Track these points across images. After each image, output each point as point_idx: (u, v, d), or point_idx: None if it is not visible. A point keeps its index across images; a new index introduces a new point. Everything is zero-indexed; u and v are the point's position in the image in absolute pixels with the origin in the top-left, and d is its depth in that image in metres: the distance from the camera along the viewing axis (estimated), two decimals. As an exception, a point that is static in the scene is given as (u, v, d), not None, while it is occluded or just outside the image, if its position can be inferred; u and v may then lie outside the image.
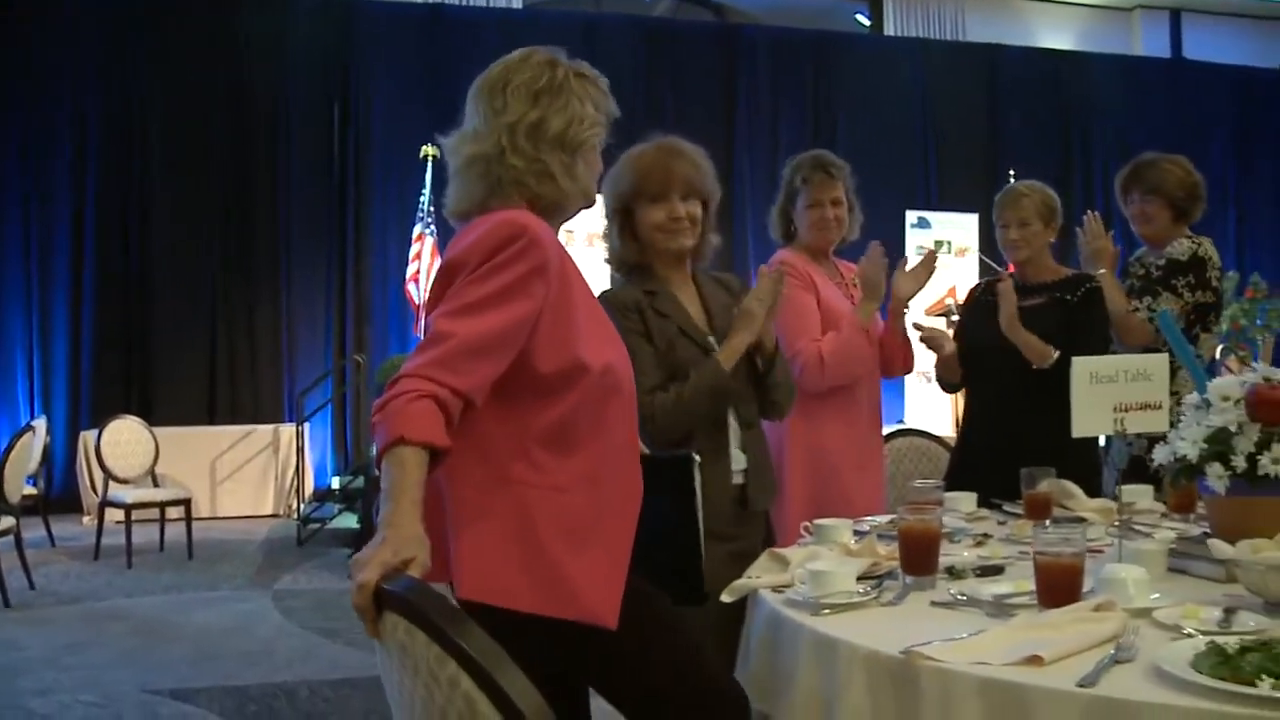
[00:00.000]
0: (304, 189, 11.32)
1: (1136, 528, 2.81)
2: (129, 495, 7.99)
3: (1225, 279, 11.72)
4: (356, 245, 11.48)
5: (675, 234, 2.80)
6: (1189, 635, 1.76)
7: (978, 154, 13.17)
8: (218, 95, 11.10)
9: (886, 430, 4.23)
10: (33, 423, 7.69)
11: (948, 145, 13.15)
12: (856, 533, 2.71)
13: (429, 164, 9.37)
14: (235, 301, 11.13)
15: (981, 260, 11.00)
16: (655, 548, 2.07)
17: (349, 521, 8.90)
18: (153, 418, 9.28)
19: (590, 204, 2.21)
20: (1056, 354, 3.42)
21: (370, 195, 11.51)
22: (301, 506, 9.48)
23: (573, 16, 12.51)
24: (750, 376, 2.89)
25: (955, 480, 3.55)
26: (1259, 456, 2.20)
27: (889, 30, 13.59)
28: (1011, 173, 11.02)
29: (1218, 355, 10.90)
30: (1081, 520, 2.96)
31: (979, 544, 2.67)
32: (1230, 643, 1.61)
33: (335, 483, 10.21)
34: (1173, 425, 2.39)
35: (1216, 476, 2.22)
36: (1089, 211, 4.14)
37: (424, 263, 9.65)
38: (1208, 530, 2.39)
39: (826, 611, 2.00)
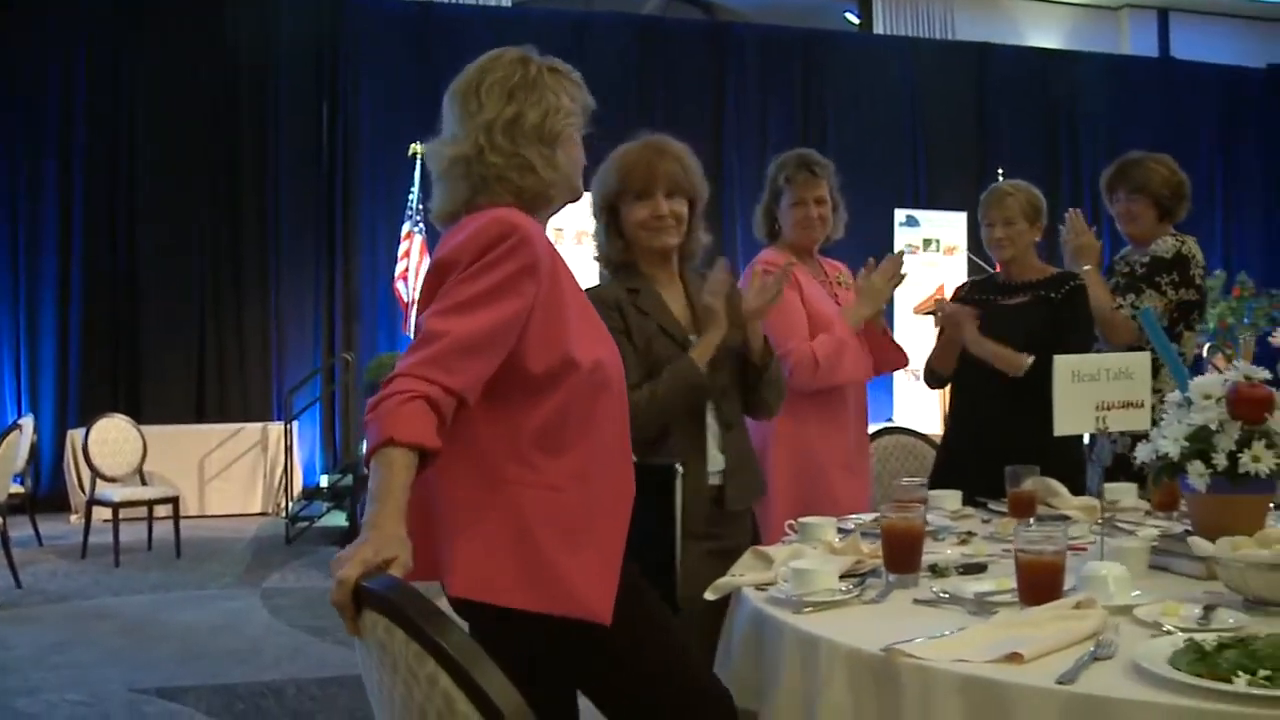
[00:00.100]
0: (292, 186, 11.29)
1: (1120, 525, 2.83)
2: (116, 494, 7.97)
3: (1212, 278, 11.79)
4: (345, 243, 11.46)
5: (659, 231, 2.80)
6: (1168, 632, 1.77)
7: (966, 153, 13.19)
8: (206, 93, 11.06)
9: (873, 428, 4.24)
10: (20, 421, 7.68)
11: (936, 144, 13.17)
12: (841, 531, 2.72)
13: (418, 162, 9.34)
14: (223, 299, 11.09)
15: (970, 259, 11.04)
16: (629, 556, 2.07)
17: (337, 520, 8.90)
18: (141, 416, 9.26)
19: (576, 196, 2.22)
20: (1030, 360, 3.44)
21: (359, 193, 11.48)
22: (290, 505, 9.45)
23: (562, 14, 12.50)
24: (737, 376, 2.89)
25: (941, 478, 3.57)
26: (1239, 454, 2.22)
27: (878, 29, 13.59)
28: (1000, 171, 11.04)
29: (1204, 354, 10.95)
30: (1065, 518, 2.98)
31: (963, 542, 2.69)
32: (1208, 640, 1.62)
33: (324, 481, 10.19)
34: (1155, 423, 2.41)
35: (1197, 474, 2.24)
36: (1072, 209, 4.15)
37: (413, 260, 9.65)
38: (1190, 528, 2.41)
39: (809, 609, 2.01)
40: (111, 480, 8.21)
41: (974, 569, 2.34)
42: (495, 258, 1.92)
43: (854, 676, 1.78)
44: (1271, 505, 2.75)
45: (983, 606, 2.00)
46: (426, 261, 9.37)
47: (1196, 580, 2.20)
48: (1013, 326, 3.55)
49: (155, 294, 10.81)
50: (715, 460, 2.81)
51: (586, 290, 2.27)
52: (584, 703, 2.16)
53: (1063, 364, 2.36)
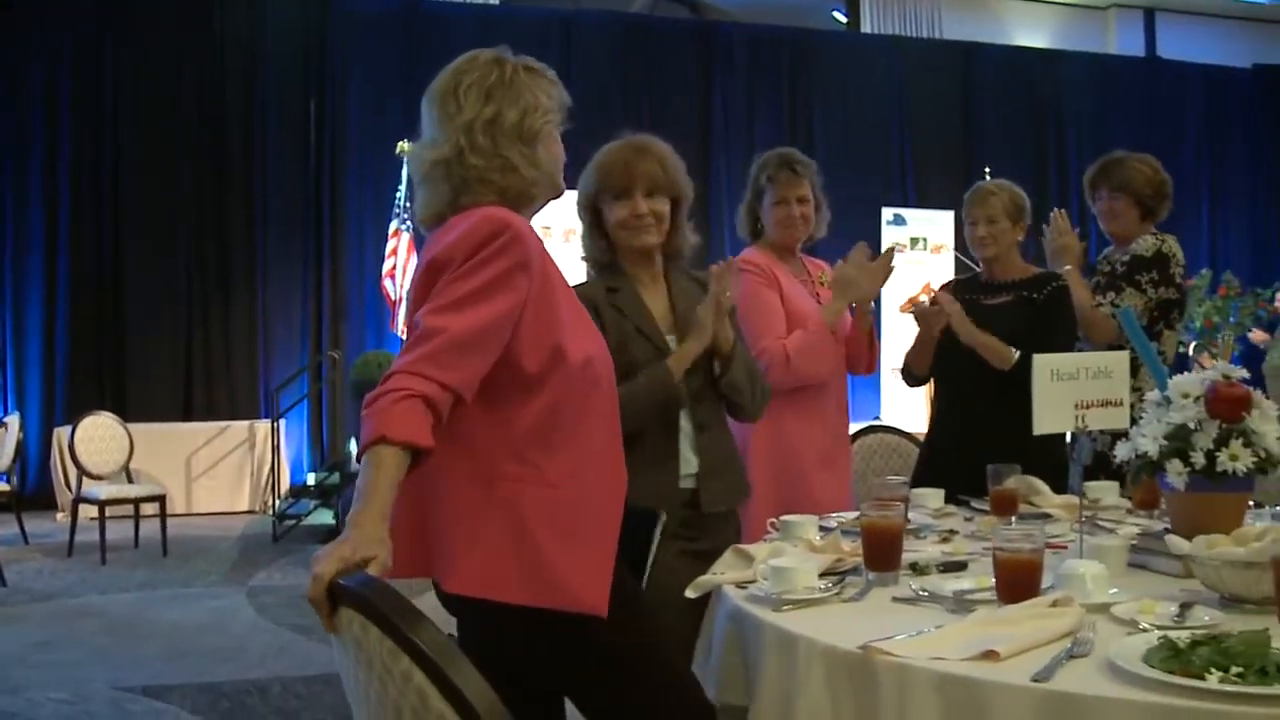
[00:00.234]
0: (280, 184, 11.28)
1: (1100, 524, 2.84)
2: (103, 491, 7.95)
3: (1198, 277, 11.84)
4: (332, 241, 11.45)
5: (638, 230, 2.80)
6: (1144, 630, 1.78)
7: (953, 152, 13.22)
8: (193, 92, 11.05)
9: (857, 426, 4.25)
10: (5, 419, 7.68)
11: (924, 143, 13.20)
12: (822, 529, 2.73)
13: (405, 160, 9.34)
14: (211, 297, 11.08)
15: (957, 257, 11.07)
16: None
17: (325, 518, 8.89)
18: (127, 414, 9.24)
19: (558, 193, 2.22)
20: (1017, 354, 3.45)
21: (346, 191, 11.47)
22: (277, 503, 9.45)
23: (550, 13, 12.49)
24: (711, 377, 2.87)
25: (923, 477, 3.58)
26: (1217, 453, 2.23)
27: (865, 28, 13.62)
28: (987, 170, 11.08)
29: (1190, 352, 11.00)
30: (1047, 516, 3.00)
31: (944, 540, 2.70)
32: (1182, 637, 1.63)
33: (311, 479, 10.18)
34: (1134, 422, 2.42)
35: (1176, 473, 2.25)
36: (1056, 209, 4.17)
37: (400, 258, 9.64)
38: (1170, 526, 2.42)
39: (788, 607, 2.02)
40: (98, 478, 8.19)
41: (954, 567, 2.35)
42: (488, 255, 1.92)
43: (831, 674, 1.79)
44: (1251, 504, 2.78)
45: (961, 604, 2.01)
46: (414, 259, 9.37)
47: (1175, 578, 2.21)
48: (995, 326, 3.56)
49: (142, 291, 10.79)
50: (689, 462, 2.79)
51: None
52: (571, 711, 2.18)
53: (1042, 363, 2.37)
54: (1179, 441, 2.27)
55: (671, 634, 2.28)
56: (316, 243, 11.41)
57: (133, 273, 10.80)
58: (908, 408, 10.54)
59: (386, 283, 9.74)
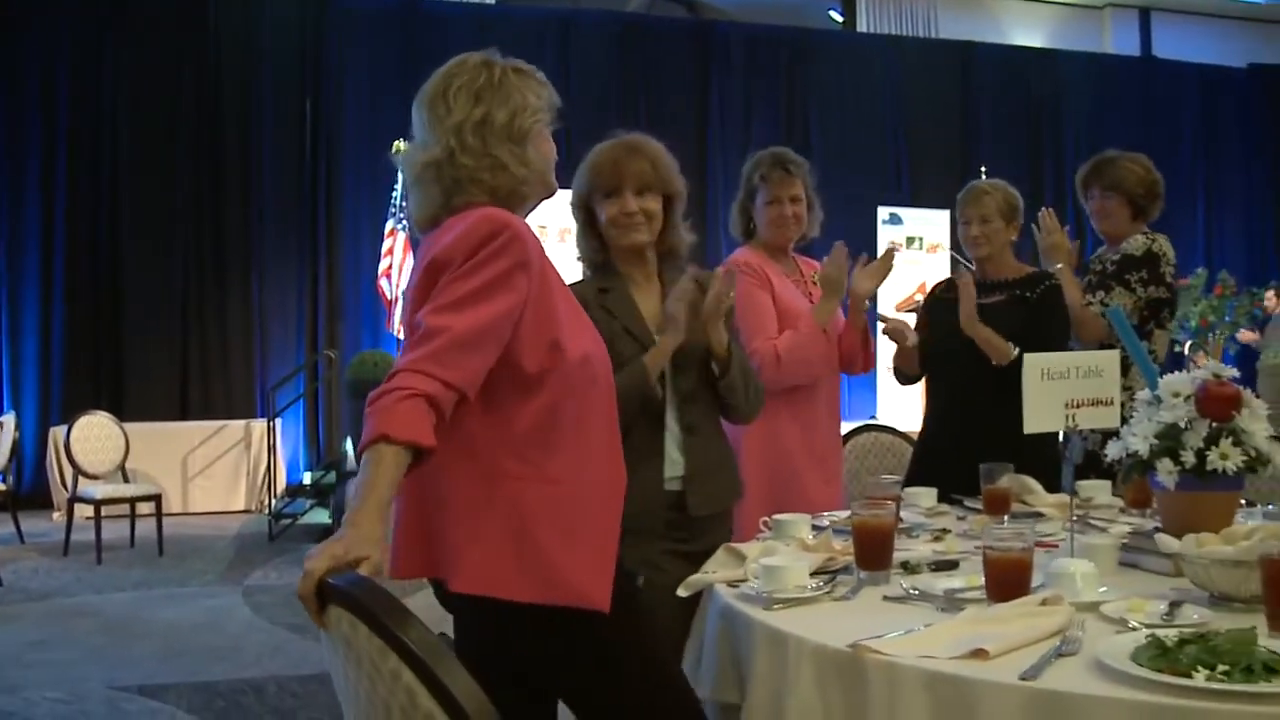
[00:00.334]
0: (276, 183, 11.27)
1: (1093, 523, 2.85)
2: (98, 491, 7.94)
3: (1194, 276, 11.84)
4: (328, 240, 11.45)
5: (628, 229, 2.79)
6: (1133, 629, 1.79)
7: (950, 151, 13.23)
8: (189, 91, 11.04)
9: (851, 426, 4.26)
10: (1, 418, 7.67)
11: (920, 142, 13.21)
12: (815, 528, 2.74)
13: (400, 160, 9.33)
14: (207, 296, 11.07)
15: (953, 257, 11.08)
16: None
17: (320, 517, 8.89)
18: (124, 413, 9.23)
19: (550, 192, 2.22)
20: (1016, 350, 3.45)
21: (342, 190, 11.47)
22: (273, 502, 9.45)
23: (547, 12, 12.49)
24: (704, 380, 2.84)
25: (917, 476, 3.58)
26: (1207, 452, 2.23)
27: (862, 27, 13.63)
28: (983, 169, 11.08)
29: (1186, 352, 11.02)
30: (1039, 515, 3.00)
31: (937, 539, 2.70)
32: (1170, 636, 1.64)
33: (307, 478, 10.18)
34: (1125, 421, 2.43)
35: (1166, 472, 2.26)
36: (1045, 208, 4.18)
37: (396, 258, 9.64)
38: (1161, 525, 2.43)
39: (778, 606, 2.03)
40: (94, 478, 8.18)
41: (945, 566, 2.36)
42: (488, 255, 1.94)
43: (821, 672, 1.80)
44: (1243, 502, 2.79)
45: (951, 603, 2.02)
46: (410, 259, 9.36)
47: (1165, 577, 2.22)
48: (989, 325, 3.56)
49: (138, 291, 10.78)
50: (675, 464, 2.76)
51: None
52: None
53: (1032, 362, 2.38)
54: (1169, 440, 2.28)
55: (664, 634, 2.29)
56: (313, 242, 11.40)
57: (129, 272, 10.79)
58: (904, 407, 10.53)
59: (382, 282, 9.74)
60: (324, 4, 11.51)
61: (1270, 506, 2.77)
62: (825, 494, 3.39)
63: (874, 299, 3.70)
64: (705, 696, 2.16)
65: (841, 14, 13.96)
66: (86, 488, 8.03)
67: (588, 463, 2.05)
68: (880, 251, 3.63)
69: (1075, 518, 2.76)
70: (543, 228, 9.27)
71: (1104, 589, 2.03)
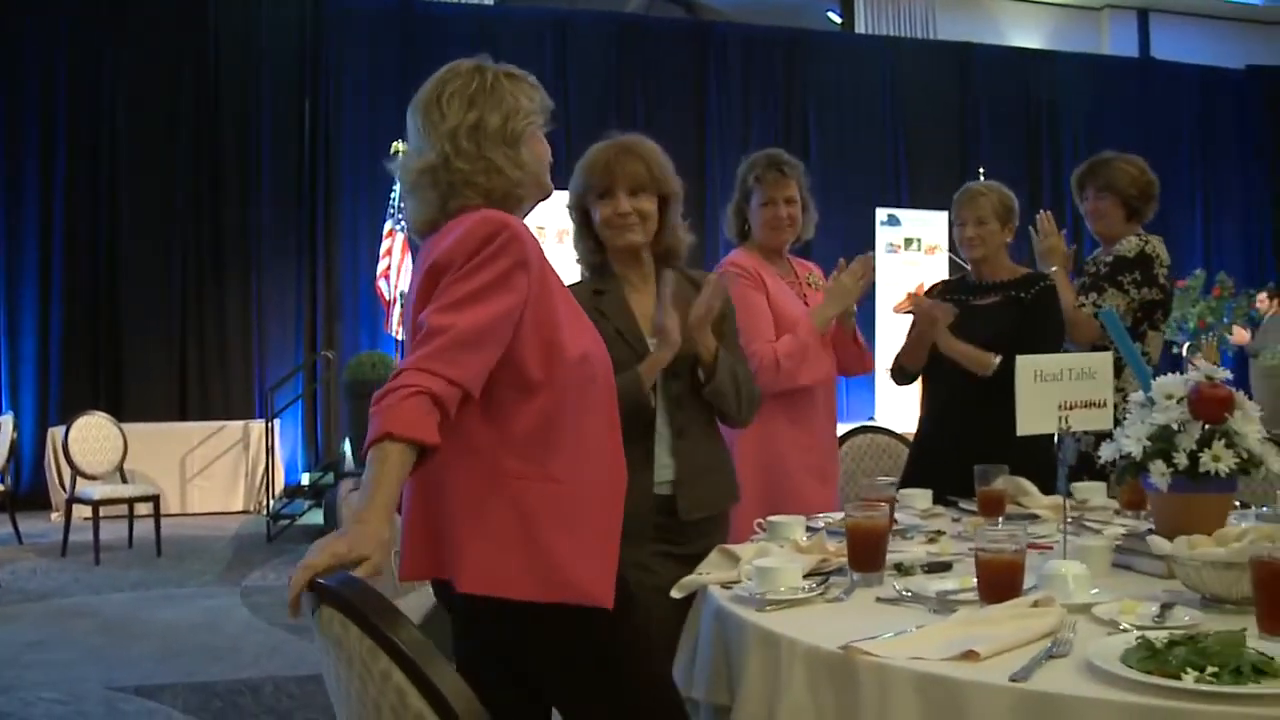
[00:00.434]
0: (274, 184, 11.28)
1: (1087, 524, 2.85)
2: (96, 491, 7.95)
3: (1191, 277, 11.82)
4: (327, 241, 11.45)
5: (621, 229, 2.79)
6: (1124, 630, 1.80)
7: (948, 152, 13.24)
8: (187, 91, 11.05)
9: (849, 427, 4.26)
10: (0, 418, 7.67)
11: (918, 143, 13.22)
12: (809, 529, 2.74)
13: (399, 158, 9.32)
14: (205, 297, 11.07)
15: (951, 258, 11.08)
16: None
17: (318, 518, 8.89)
18: (122, 414, 9.25)
19: (546, 193, 2.24)
20: (997, 360, 3.45)
21: (341, 191, 11.48)
22: (271, 503, 9.45)
23: (545, 13, 12.50)
24: (695, 384, 2.82)
25: (912, 477, 3.59)
26: (1200, 454, 2.24)
27: (860, 28, 13.64)
28: (981, 171, 11.10)
29: (1185, 353, 11.01)
30: (1034, 517, 3.01)
31: (931, 541, 2.71)
32: (1160, 637, 1.64)
33: (305, 479, 10.18)
34: (1118, 422, 2.43)
35: (1159, 473, 2.26)
36: (1042, 211, 4.18)
37: (394, 259, 9.64)
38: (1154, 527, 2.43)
39: (771, 607, 2.03)
40: (92, 478, 8.19)
41: (939, 568, 2.36)
42: (488, 255, 1.95)
43: (813, 674, 1.80)
44: (1237, 504, 2.79)
45: (944, 605, 2.02)
46: (408, 260, 9.37)
47: (1158, 579, 2.22)
48: (983, 327, 3.57)
49: (136, 291, 10.79)
50: (665, 468, 2.76)
51: None
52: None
53: (1025, 364, 2.38)
54: (1162, 442, 2.28)
55: (657, 636, 2.30)
56: (311, 242, 11.40)
57: (128, 273, 10.80)
58: (902, 408, 10.54)
59: (381, 283, 9.74)
60: (322, 5, 11.51)
61: (1265, 509, 2.77)
62: (821, 496, 3.39)
63: (871, 301, 3.70)
64: (699, 698, 2.17)
65: (839, 15, 13.97)
66: (85, 488, 8.04)
67: (588, 461, 2.07)
68: (877, 252, 3.62)
69: (1070, 519, 2.76)
70: (540, 229, 9.28)
71: (1096, 591, 2.04)
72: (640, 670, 2.10)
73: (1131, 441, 2.33)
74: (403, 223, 9.48)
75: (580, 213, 2.89)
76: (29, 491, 10.01)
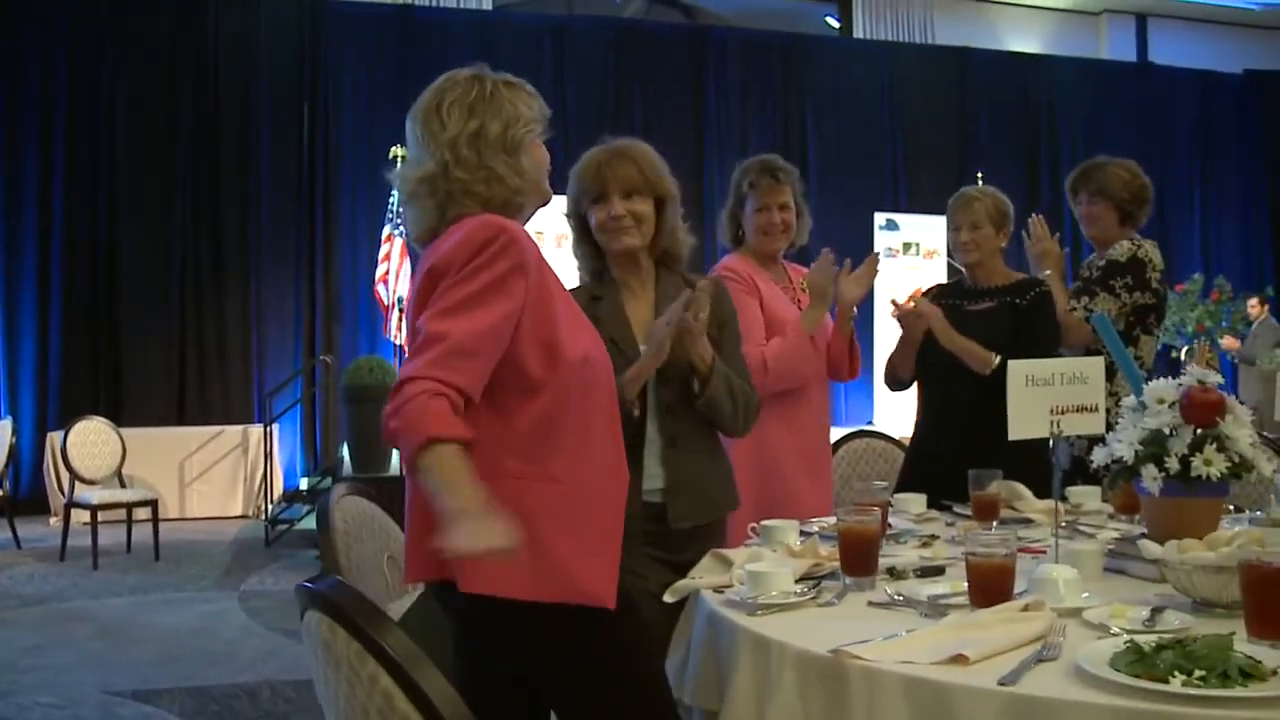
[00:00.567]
0: (273, 188, 11.29)
1: (1081, 528, 2.86)
2: (95, 496, 7.96)
3: (1190, 281, 11.82)
4: (326, 245, 11.46)
5: (616, 233, 2.78)
6: (1114, 634, 1.80)
7: (946, 156, 13.25)
8: (187, 95, 11.06)
9: (845, 431, 4.26)
10: (-2, 423, 7.67)
11: (916, 147, 13.23)
12: (803, 534, 2.74)
13: (398, 164, 9.31)
14: (204, 301, 11.08)
15: (950, 263, 11.09)
16: None
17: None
18: (120, 418, 9.25)
19: (545, 200, 2.25)
20: (997, 359, 3.45)
21: (339, 195, 11.49)
22: (270, 507, 9.46)
23: (543, 18, 12.52)
24: (688, 392, 2.79)
25: (908, 481, 3.59)
26: (1191, 458, 2.24)
27: (858, 33, 13.65)
28: (980, 175, 11.12)
29: (1183, 357, 11.02)
30: (1028, 521, 3.01)
31: (925, 545, 2.71)
32: (1148, 641, 1.65)
33: (304, 484, 10.18)
34: (1111, 427, 2.43)
35: (1151, 478, 2.27)
36: (1035, 215, 4.18)
37: (393, 263, 9.63)
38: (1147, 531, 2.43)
39: (762, 611, 2.03)
40: (90, 483, 8.20)
41: (932, 572, 2.36)
42: (486, 259, 1.96)
43: (803, 678, 1.80)
44: (1231, 508, 2.80)
45: (935, 609, 2.02)
46: (407, 264, 9.38)
47: (1150, 583, 2.22)
48: (978, 331, 3.56)
49: (135, 296, 10.80)
50: (654, 476, 2.74)
51: None
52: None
53: (1017, 368, 2.39)
54: (1154, 446, 2.29)
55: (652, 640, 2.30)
56: (310, 247, 11.41)
57: (126, 277, 10.80)
58: (900, 413, 10.54)
59: (379, 287, 9.73)
60: (320, 9, 11.52)
61: (1258, 513, 2.78)
62: (815, 500, 3.39)
63: (869, 305, 3.70)
64: (690, 702, 2.17)
65: (837, 19, 13.98)
66: (83, 493, 8.04)
67: (589, 462, 2.08)
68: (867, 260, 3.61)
69: (1064, 524, 2.77)
70: (539, 233, 9.28)
71: (1087, 595, 2.04)
72: (640, 671, 2.10)
73: (1123, 446, 2.33)
74: (401, 227, 9.49)
75: (578, 219, 2.88)
76: (27, 496, 10.00)
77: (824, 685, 1.77)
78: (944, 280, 4.21)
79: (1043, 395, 2.39)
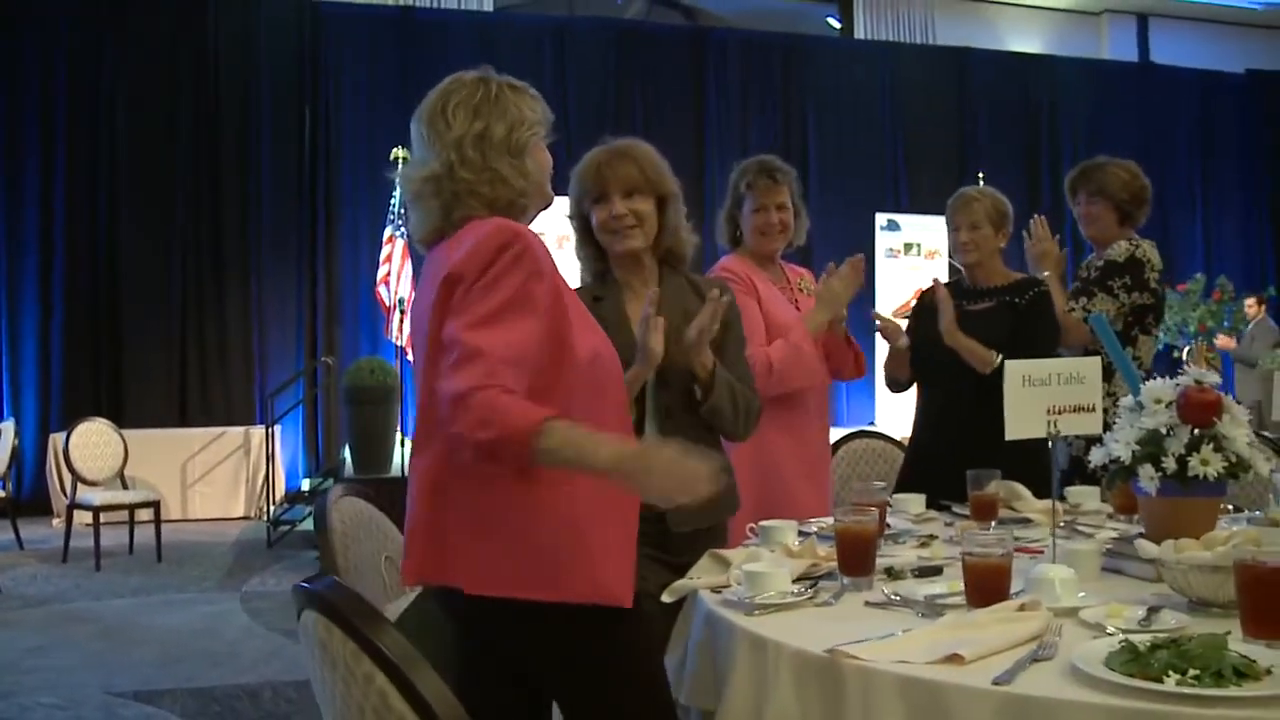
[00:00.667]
0: (274, 189, 11.30)
1: (1079, 528, 2.86)
2: (97, 497, 7.98)
3: (1192, 281, 11.81)
4: (327, 247, 11.47)
5: (618, 233, 2.78)
6: (1110, 634, 1.80)
7: (947, 157, 13.25)
8: (187, 97, 11.07)
9: (845, 431, 4.26)
10: (1, 425, 7.68)
11: (917, 148, 13.23)
12: (801, 534, 2.75)
13: (400, 166, 9.31)
14: (205, 303, 11.09)
15: (951, 263, 11.09)
16: None
17: (319, 523, 8.88)
18: (122, 420, 9.27)
19: (548, 202, 2.25)
20: (999, 358, 3.44)
21: (341, 197, 11.50)
22: (272, 509, 9.46)
23: (544, 19, 12.53)
24: (689, 396, 2.78)
25: (907, 481, 3.59)
26: (1189, 458, 2.25)
27: (859, 33, 13.65)
28: (980, 175, 11.12)
29: (1185, 357, 11.02)
30: (1027, 521, 3.02)
31: (923, 545, 2.71)
32: (1143, 641, 1.65)
33: (306, 485, 10.19)
34: (1108, 427, 2.44)
35: (1148, 477, 2.27)
36: (1036, 215, 4.19)
37: (394, 265, 9.63)
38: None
39: (760, 611, 2.04)
40: (93, 484, 8.21)
41: (929, 572, 2.37)
42: (503, 267, 1.96)
43: (800, 677, 1.81)
44: (1230, 508, 2.80)
45: (931, 609, 2.03)
46: (409, 266, 9.38)
47: (1147, 583, 2.22)
48: (978, 331, 3.56)
49: (137, 297, 10.81)
50: None
51: None
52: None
53: (1014, 368, 2.39)
54: (1151, 446, 2.29)
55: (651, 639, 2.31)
56: (311, 248, 11.42)
57: (128, 278, 10.81)
58: (902, 413, 10.52)
59: (380, 289, 9.73)
60: (320, 11, 11.53)
61: (1256, 513, 2.78)
62: (814, 501, 3.38)
63: (871, 305, 3.71)
64: (687, 702, 2.18)
65: (838, 20, 13.98)
66: (85, 494, 8.06)
67: None
68: (877, 257, 3.62)
69: (1062, 524, 2.77)
70: (541, 235, 9.26)
71: (1084, 594, 2.05)
72: (640, 670, 2.10)
73: (1121, 446, 2.34)
74: (403, 229, 9.49)
75: (580, 220, 2.88)
76: (30, 497, 10.03)
77: (820, 685, 1.77)
78: (945, 281, 4.20)
79: (1039, 395, 2.39)
